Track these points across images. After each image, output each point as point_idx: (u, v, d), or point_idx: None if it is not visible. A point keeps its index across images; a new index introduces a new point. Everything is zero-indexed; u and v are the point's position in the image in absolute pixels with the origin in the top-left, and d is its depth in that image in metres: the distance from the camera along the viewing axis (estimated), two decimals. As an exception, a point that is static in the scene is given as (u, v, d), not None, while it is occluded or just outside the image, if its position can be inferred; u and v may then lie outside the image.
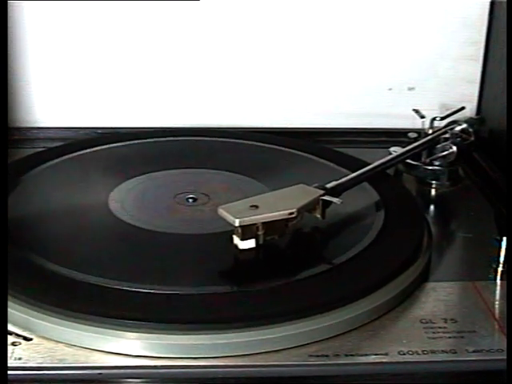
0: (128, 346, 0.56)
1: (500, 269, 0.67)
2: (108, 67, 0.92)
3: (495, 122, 0.88)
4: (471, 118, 0.87)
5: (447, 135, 0.84)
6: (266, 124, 0.94)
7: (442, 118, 0.85)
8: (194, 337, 0.56)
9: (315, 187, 0.69)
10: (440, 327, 0.60)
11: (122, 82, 0.93)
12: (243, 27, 0.92)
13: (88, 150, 0.83)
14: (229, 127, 0.92)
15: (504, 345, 0.58)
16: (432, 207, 0.80)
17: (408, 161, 0.82)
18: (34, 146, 0.89)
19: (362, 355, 0.57)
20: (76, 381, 0.55)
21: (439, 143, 0.83)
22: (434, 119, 0.84)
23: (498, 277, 0.67)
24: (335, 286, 0.61)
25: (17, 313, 0.58)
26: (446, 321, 0.61)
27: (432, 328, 0.60)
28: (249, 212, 0.64)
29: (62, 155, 0.81)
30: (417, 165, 0.83)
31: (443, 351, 0.57)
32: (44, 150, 0.85)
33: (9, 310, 0.57)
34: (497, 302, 0.63)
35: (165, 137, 0.87)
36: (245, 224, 0.63)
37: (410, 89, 0.95)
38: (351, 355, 0.57)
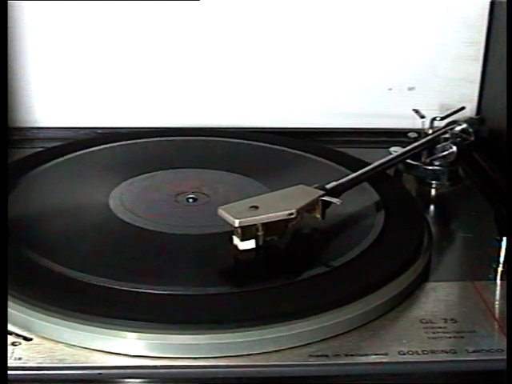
0: (128, 346, 0.56)
1: (500, 269, 0.67)
2: (108, 67, 0.92)
3: (495, 122, 0.88)
4: (471, 118, 0.87)
5: (447, 135, 0.84)
6: (266, 124, 0.94)
7: (442, 118, 0.85)
8: (194, 337, 0.56)
9: (315, 188, 0.69)
10: (440, 327, 0.60)
11: (121, 82, 0.93)
12: (243, 27, 0.92)
13: (88, 150, 0.83)
14: (229, 127, 0.92)
15: (504, 345, 0.58)
16: (432, 207, 0.80)
17: (408, 161, 0.82)
18: (33, 146, 0.89)
19: (361, 355, 0.57)
20: (76, 381, 0.55)
21: (439, 143, 0.83)
22: (434, 119, 0.84)
23: (498, 277, 0.67)
24: (335, 286, 0.61)
25: (17, 313, 0.58)
26: (446, 321, 0.61)
27: (432, 328, 0.60)
28: (249, 212, 0.64)
29: (62, 155, 0.81)
30: (417, 165, 0.83)
31: (443, 351, 0.57)
32: (44, 150, 0.85)
33: (9, 310, 0.57)
34: (497, 302, 0.63)
35: (165, 137, 0.87)
36: (244, 224, 0.63)
37: (410, 89, 0.95)
38: (351, 355, 0.57)
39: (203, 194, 0.74)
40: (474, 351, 0.58)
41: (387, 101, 0.95)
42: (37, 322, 0.57)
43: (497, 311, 0.62)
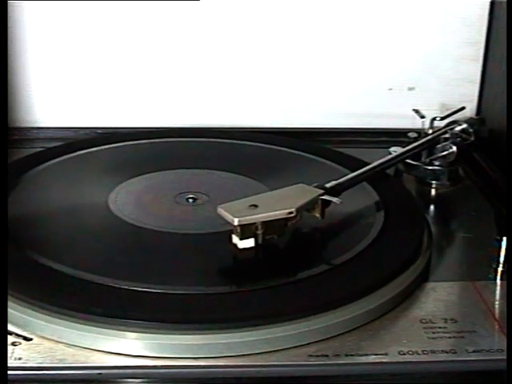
0: (128, 346, 0.56)
1: (500, 269, 0.67)
2: (108, 67, 0.92)
3: (495, 122, 0.88)
4: (471, 118, 0.87)
5: (447, 135, 0.84)
6: (266, 124, 0.94)
7: (442, 118, 0.85)
8: (194, 337, 0.56)
9: (315, 187, 0.69)
10: (440, 327, 0.60)
11: (121, 82, 0.93)
12: (243, 27, 0.92)
13: (88, 150, 0.83)
14: (229, 127, 0.92)
15: (504, 345, 0.58)
16: (432, 207, 0.80)
17: (408, 161, 0.82)
18: (33, 146, 0.89)
19: (361, 355, 0.57)
20: (76, 381, 0.55)
21: (439, 143, 0.83)
22: (433, 119, 0.84)
23: (498, 277, 0.67)
24: (335, 285, 0.61)
25: (17, 313, 0.58)
26: (446, 321, 0.61)
27: (432, 328, 0.60)
28: (248, 211, 0.64)
29: (62, 155, 0.81)
30: (417, 165, 0.83)
31: (443, 351, 0.57)
32: (44, 150, 0.85)
33: (9, 310, 0.57)
34: (497, 302, 0.63)
35: (165, 137, 0.87)
36: (244, 223, 0.63)
37: (410, 89, 0.95)
38: (351, 355, 0.57)
39: (203, 193, 0.74)
40: (474, 351, 0.58)
41: (387, 101, 0.95)
42: (37, 322, 0.57)
43: (497, 311, 0.62)
